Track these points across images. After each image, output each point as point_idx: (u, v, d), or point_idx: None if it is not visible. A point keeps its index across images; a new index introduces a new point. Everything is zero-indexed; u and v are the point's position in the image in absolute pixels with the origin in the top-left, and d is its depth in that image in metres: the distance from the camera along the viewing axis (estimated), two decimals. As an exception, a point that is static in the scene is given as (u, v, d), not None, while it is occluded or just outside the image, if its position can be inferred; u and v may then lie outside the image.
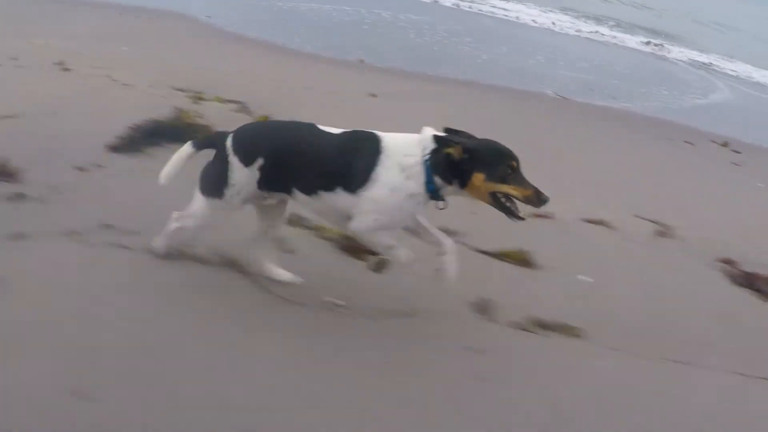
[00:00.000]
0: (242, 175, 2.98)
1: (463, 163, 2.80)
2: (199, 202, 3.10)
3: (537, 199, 2.81)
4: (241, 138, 3.03)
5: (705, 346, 3.51)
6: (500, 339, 3.23)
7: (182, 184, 3.11)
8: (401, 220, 2.97)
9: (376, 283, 3.26)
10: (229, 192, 3.00)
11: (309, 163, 2.92)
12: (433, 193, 2.89)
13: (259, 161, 2.95)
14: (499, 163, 2.81)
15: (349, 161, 2.86)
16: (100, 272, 3.11)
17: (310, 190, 2.95)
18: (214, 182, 3.04)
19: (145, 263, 3.22)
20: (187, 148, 3.16)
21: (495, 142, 2.90)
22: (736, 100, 12.73)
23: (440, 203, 2.94)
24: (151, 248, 3.27)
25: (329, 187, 2.89)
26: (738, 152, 8.42)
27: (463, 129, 3.02)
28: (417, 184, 2.84)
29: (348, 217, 2.92)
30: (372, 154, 2.83)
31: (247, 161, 2.96)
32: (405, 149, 2.86)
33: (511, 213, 2.86)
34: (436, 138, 2.83)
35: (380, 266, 3.15)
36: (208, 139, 3.27)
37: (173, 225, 3.20)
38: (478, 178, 2.81)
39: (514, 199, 2.84)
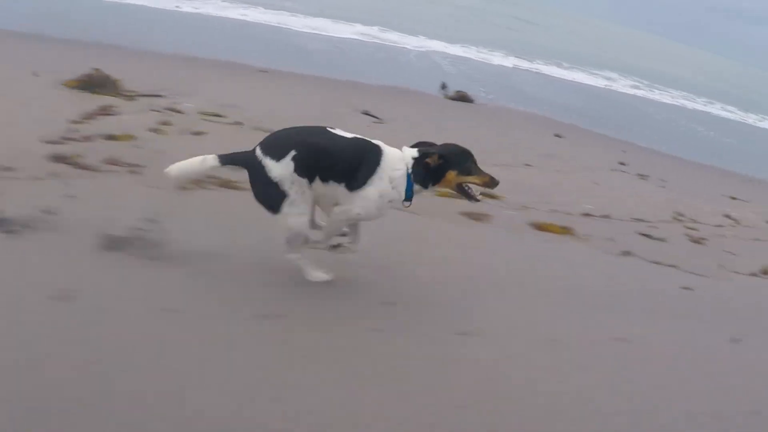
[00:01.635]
0: (279, 170, 3.36)
1: (438, 166, 3.55)
2: (282, 219, 3.46)
3: (492, 182, 3.64)
4: (269, 142, 3.45)
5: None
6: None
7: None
8: (376, 216, 3.62)
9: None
10: (284, 187, 3.39)
11: (330, 158, 3.43)
12: (409, 198, 3.59)
13: (292, 153, 3.37)
14: (465, 161, 3.59)
15: (357, 165, 3.46)
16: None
17: (325, 179, 3.47)
18: (270, 194, 3.41)
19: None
20: (211, 160, 3.44)
21: (456, 145, 3.66)
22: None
23: (406, 203, 3.62)
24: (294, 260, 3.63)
25: (339, 180, 3.47)
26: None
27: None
28: (399, 192, 3.54)
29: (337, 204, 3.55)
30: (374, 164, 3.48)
31: (278, 157, 3.37)
32: (394, 164, 3.52)
33: (472, 197, 3.66)
34: (418, 153, 3.56)
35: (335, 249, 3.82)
36: (236, 156, 3.49)
37: (294, 256, 3.62)
38: (451, 174, 3.58)
39: (475, 186, 3.63)
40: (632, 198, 7.73)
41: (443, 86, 12.70)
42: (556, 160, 8.84)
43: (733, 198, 9.60)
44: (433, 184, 3.62)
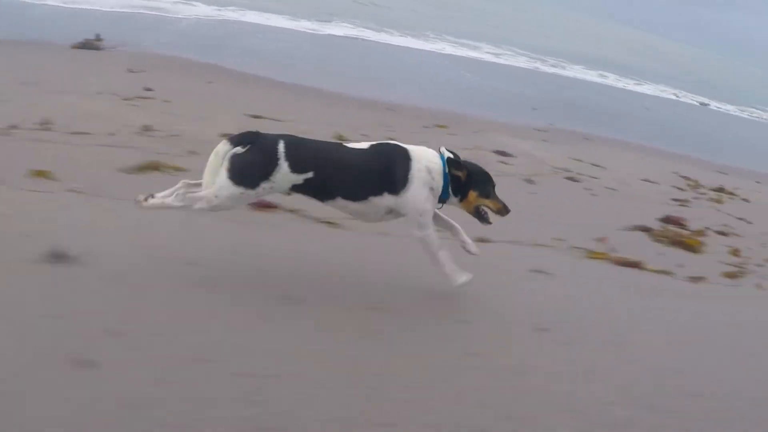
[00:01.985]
0: (285, 178, 3.34)
1: (464, 183, 3.56)
2: (225, 188, 3.30)
3: (505, 210, 3.69)
4: (295, 148, 3.37)
5: None
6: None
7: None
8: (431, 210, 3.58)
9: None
10: (264, 185, 3.33)
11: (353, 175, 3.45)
12: (443, 201, 3.60)
13: (309, 174, 3.36)
14: (486, 184, 3.66)
15: (387, 170, 3.46)
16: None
17: (358, 197, 3.48)
18: (251, 174, 3.30)
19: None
20: (223, 146, 3.33)
21: (481, 167, 3.71)
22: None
23: (439, 204, 3.61)
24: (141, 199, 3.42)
25: (378, 192, 3.47)
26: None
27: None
28: (438, 184, 3.52)
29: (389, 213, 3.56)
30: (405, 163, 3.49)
31: (297, 170, 3.34)
32: (428, 157, 3.53)
33: (485, 220, 3.71)
34: (450, 159, 3.54)
35: None
36: (244, 136, 3.40)
37: (175, 202, 3.40)
38: (473, 195, 3.63)
39: (489, 210, 3.69)
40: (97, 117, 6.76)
41: (97, 38, 12.06)
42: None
43: (341, 128, 8.14)
44: (459, 199, 3.62)
